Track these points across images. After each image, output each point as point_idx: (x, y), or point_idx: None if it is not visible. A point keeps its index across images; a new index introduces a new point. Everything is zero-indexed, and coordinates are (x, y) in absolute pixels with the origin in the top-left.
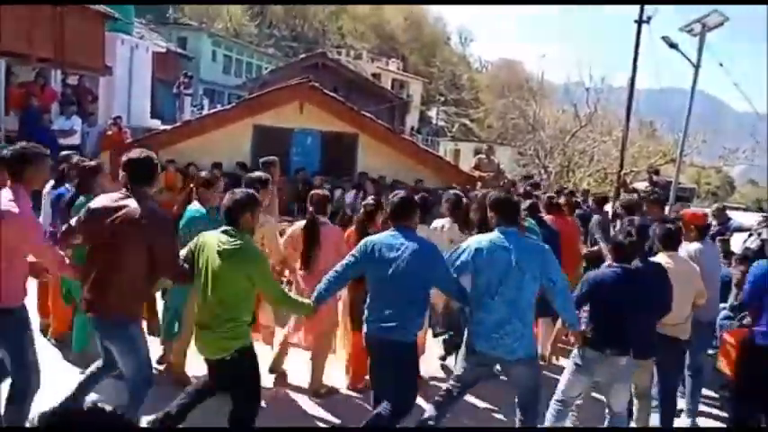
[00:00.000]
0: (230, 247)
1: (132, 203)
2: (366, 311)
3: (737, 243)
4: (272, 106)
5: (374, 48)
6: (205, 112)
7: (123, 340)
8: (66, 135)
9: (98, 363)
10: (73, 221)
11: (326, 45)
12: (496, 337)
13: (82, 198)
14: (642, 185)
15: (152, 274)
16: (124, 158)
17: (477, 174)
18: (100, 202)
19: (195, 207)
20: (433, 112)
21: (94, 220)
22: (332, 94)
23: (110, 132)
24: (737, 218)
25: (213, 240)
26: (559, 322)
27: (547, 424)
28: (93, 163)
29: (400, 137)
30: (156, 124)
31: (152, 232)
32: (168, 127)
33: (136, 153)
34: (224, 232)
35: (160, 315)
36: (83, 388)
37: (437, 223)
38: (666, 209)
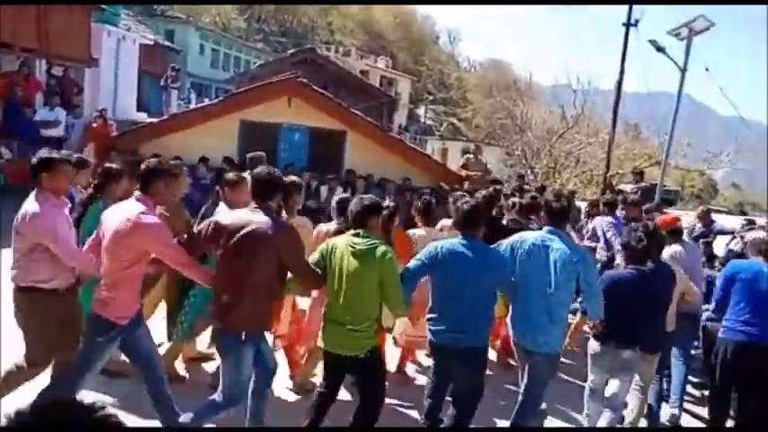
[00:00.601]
0: (365, 248)
1: (262, 218)
2: (432, 319)
3: (720, 246)
4: (260, 101)
5: (363, 45)
6: (192, 105)
7: (237, 355)
8: (49, 126)
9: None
10: (196, 230)
11: (315, 41)
12: (526, 329)
13: (99, 203)
14: (628, 187)
15: (280, 286)
16: (252, 177)
17: (464, 173)
18: (228, 217)
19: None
20: (421, 111)
21: (221, 234)
22: (320, 90)
23: (95, 125)
24: (720, 221)
25: (344, 243)
26: (579, 314)
27: (585, 409)
28: (114, 166)
29: (388, 134)
30: (143, 117)
31: (283, 246)
32: (154, 120)
33: (263, 171)
34: (355, 235)
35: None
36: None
37: (443, 223)
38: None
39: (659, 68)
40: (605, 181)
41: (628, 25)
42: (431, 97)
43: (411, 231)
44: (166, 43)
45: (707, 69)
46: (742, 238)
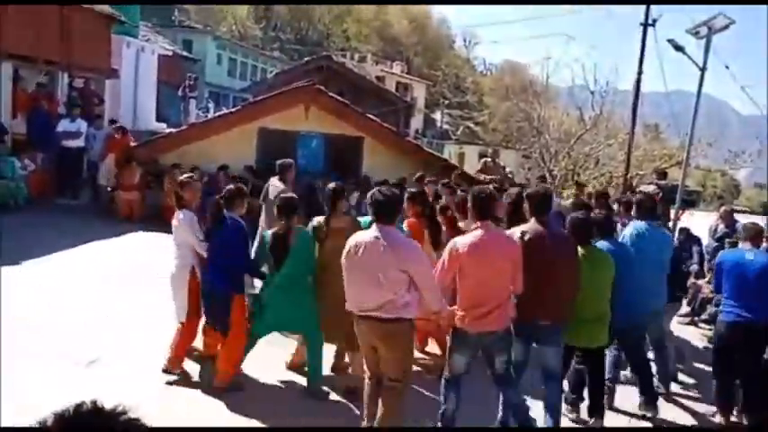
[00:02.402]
0: (599, 255)
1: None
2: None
3: None
4: (278, 109)
5: (378, 51)
6: (211, 114)
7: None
8: (70, 137)
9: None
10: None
11: (331, 48)
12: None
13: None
14: (650, 188)
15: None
16: (528, 194)
17: (482, 177)
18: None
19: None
20: (437, 115)
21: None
22: (337, 96)
23: (116, 136)
24: (744, 221)
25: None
26: None
27: None
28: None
29: (405, 139)
30: (162, 127)
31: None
32: (173, 130)
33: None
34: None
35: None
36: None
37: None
38: (672, 212)
39: (678, 68)
40: (625, 182)
41: (645, 25)
42: (447, 101)
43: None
44: (184, 53)
45: (727, 67)
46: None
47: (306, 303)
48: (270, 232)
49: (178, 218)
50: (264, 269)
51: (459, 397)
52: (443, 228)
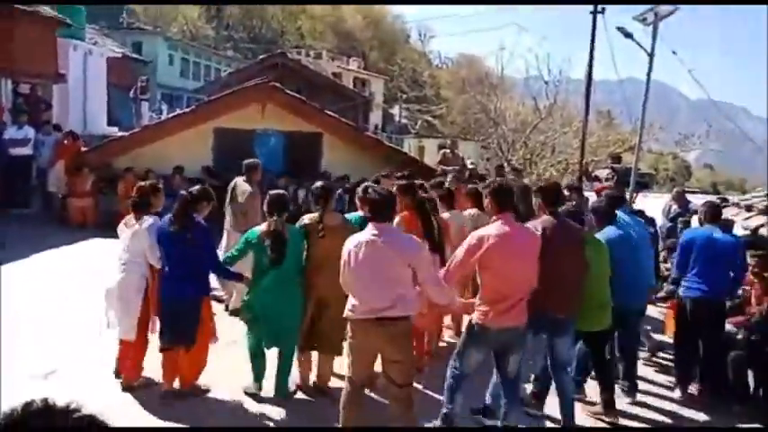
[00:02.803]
0: (599, 242)
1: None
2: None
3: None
4: (233, 108)
5: (334, 47)
6: (164, 116)
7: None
8: (18, 144)
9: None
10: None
11: (285, 46)
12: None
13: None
14: (604, 173)
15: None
16: (540, 188)
17: (441, 168)
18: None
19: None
20: (395, 110)
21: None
22: (293, 93)
23: (65, 141)
24: (696, 201)
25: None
26: None
27: None
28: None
29: (364, 134)
30: (114, 131)
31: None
32: (126, 133)
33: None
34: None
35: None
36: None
37: (469, 212)
38: (627, 194)
39: (629, 56)
40: (581, 168)
41: (595, 13)
42: (405, 96)
43: (444, 215)
44: (134, 55)
45: (674, 53)
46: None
47: (295, 312)
48: (259, 230)
49: (141, 224)
50: (240, 270)
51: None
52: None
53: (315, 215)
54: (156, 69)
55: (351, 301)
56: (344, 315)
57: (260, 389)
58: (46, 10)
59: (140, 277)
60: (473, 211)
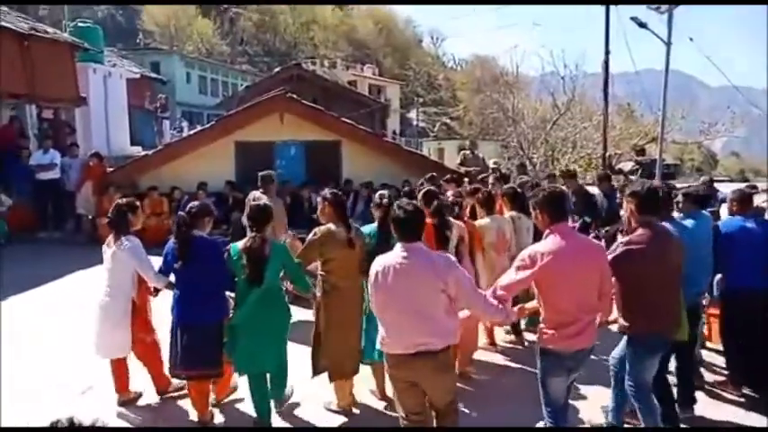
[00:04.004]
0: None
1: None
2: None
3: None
4: (252, 121)
5: (348, 56)
6: (185, 134)
7: None
8: (44, 169)
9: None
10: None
11: (299, 57)
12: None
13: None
14: (628, 166)
15: None
16: (634, 192)
17: (463, 170)
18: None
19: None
20: (412, 114)
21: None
22: (309, 103)
23: (91, 164)
24: (724, 190)
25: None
26: None
27: None
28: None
29: (383, 140)
30: (137, 150)
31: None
32: (149, 152)
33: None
34: None
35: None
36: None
37: (509, 215)
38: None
39: (646, 47)
40: (604, 162)
41: (608, 4)
42: (421, 100)
43: (478, 222)
44: (152, 75)
45: (691, 39)
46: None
47: (277, 333)
48: (239, 245)
49: (122, 245)
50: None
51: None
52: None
53: (330, 226)
54: (174, 88)
55: (382, 331)
56: (379, 347)
57: (265, 423)
58: (64, 35)
59: (126, 300)
60: (513, 213)
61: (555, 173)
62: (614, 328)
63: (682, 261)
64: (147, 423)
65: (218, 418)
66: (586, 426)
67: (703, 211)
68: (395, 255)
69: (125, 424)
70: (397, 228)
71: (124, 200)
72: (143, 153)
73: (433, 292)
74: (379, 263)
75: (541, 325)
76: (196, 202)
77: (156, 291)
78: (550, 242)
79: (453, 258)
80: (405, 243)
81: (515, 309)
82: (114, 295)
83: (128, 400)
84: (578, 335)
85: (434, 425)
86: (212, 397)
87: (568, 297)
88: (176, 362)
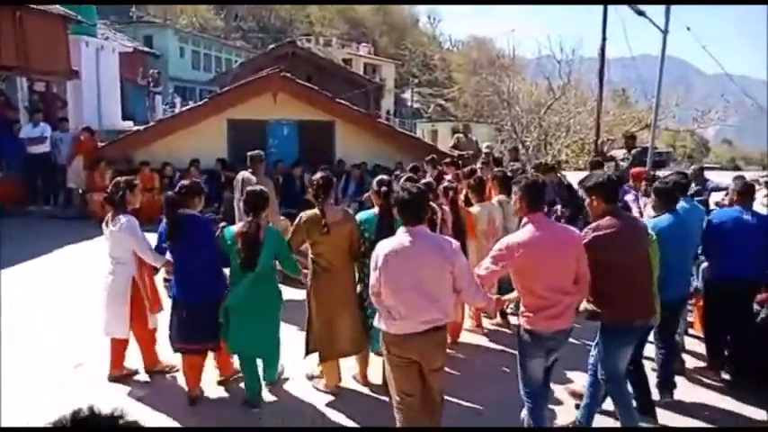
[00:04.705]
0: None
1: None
2: None
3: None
4: (246, 99)
5: (343, 34)
6: (177, 109)
7: None
8: (35, 143)
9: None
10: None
11: (295, 34)
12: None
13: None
14: (620, 153)
15: None
16: (599, 182)
17: (456, 153)
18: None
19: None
20: (407, 95)
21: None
22: (304, 83)
23: (82, 138)
24: (714, 178)
25: None
26: None
27: None
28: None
29: (376, 121)
30: (129, 125)
31: None
32: (141, 127)
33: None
34: None
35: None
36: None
37: (498, 198)
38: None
39: (642, 32)
40: (596, 148)
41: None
42: (416, 80)
43: (472, 208)
44: (145, 49)
45: (688, 29)
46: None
47: (270, 317)
48: (234, 229)
49: (119, 224)
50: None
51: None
52: (446, 209)
53: (315, 210)
54: (167, 62)
55: (386, 313)
56: (379, 327)
57: (255, 403)
58: (56, 7)
59: (126, 278)
60: (500, 197)
61: (544, 160)
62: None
63: (648, 247)
64: (136, 396)
65: (213, 394)
66: (563, 425)
67: (694, 203)
68: (399, 238)
69: (117, 399)
70: (402, 210)
71: (123, 177)
72: (135, 128)
73: (441, 273)
74: (384, 247)
75: (522, 309)
76: (186, 181)
77: (156, 269)
78: (526, 231)
79: (456, 243)
80: (408, 226)
81: (495, 298)
82: (116, 272)
83: (120, 376)
84: (557, 317)
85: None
86: (217, 374)
87: (544, 283)
88: (174, 335)
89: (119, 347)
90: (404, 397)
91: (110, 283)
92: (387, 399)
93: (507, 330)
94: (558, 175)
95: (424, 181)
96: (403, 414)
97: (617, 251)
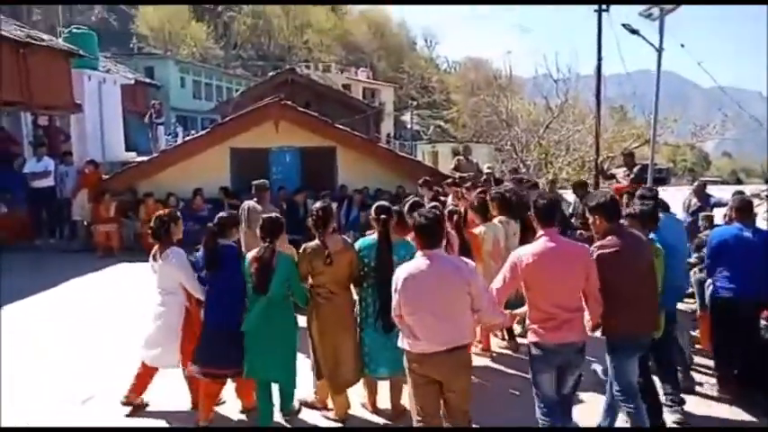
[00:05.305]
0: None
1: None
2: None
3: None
4: (247, 128)
5: (342, 59)
6: (180, 139)
7: None
8: (38, 177)
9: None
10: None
11: (294, 61)
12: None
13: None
14: (621, 171)
15: None
16: (600, 203)
17: (457, 175)
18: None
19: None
20: (407, 117)
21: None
22: (305, 110)
23: (86, 171)
24: (717, 193)
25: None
26: None
27: None
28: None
29: (377, 146)
30: (132, 156)
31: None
32: (144, 159)
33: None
34: None
35: None
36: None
37: (499, 218)
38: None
39: (639, 48)
40: (596, 167)
41: (600, 11)
42: (415, 103)
43: (476, 230)
44: (147, 80)
45: (682, 46)
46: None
47: (285, 342)
48: (250, 255)
49: (167, 258)
50: None
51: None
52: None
53: (317, 242)
54: (168, 93)
55: (408, 332)
56: (402, 347)
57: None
58: (59, 42)
59: (180, 309)
60: (501, 217)
61: (539, 181)
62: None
63: (653, 261)
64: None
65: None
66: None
67: (673, 216)
68: (417, 262)
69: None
70: (419, 234)
71: (165, 210)
72: (138, 159)
73: (461, 294)
74: (404, 270)
75: (527, 322)
76: (224, 213)
77: (200, 301)
78: (536, 245)
79: (472, 264)
80: (426, 250)
81: (507, 312)
82: (167, 303)
83: (135, 404)
84: (558, 328)
85: None
86: (240, 404)
87: (549, 297)
88: (199, 358)
89: (148, 374)
90: (422, 415)
91: (161, 315)
92: (394, 424)
93: (513, 354)
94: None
95: (430, 205)
96: (421, 416)
97: (621, 268)
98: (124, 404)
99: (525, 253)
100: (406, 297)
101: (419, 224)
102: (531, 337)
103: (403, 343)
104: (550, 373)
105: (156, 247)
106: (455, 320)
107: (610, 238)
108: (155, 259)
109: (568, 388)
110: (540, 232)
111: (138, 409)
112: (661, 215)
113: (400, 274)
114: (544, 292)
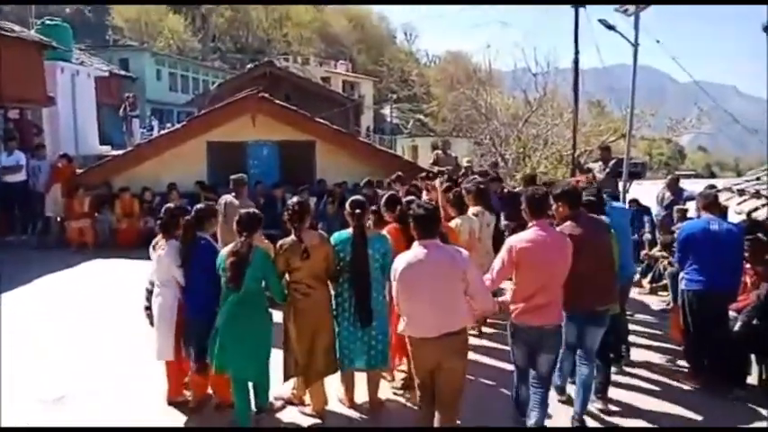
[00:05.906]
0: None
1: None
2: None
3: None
4: (224, 121)
5: (321, 52)
6: (155, 133)
7: None
8: (10, 172)
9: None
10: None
11: (273, 54)
12: None
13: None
14: (597, 165)
15: None
16: (565, 191)
17: (436, 169)
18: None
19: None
20: (386, 111)
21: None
22: (283, 103)
23: (60, 165)
24: (691, 187)
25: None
26: None
27: None
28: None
29: (356, 139)
30: (106, 150)
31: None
32: (119, 152)
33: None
34: None
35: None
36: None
37: (474, 210)
38: (620, 184)
39: (614, 41)
40: (573, 161)
41: (576, 7)
42: (395, 96)
43: (453, 222)
44: (122, 72)
45: (658, 41)
46: None
47: (259, 338)
48: (226, 250)
49: (165, 250)
50: None
51: (528, 387)
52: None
53: (293, 237)
54: (144, 85)
55: (407, 319)
56: (401, 332)
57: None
58: (31, 34)
59: (172, 300)
60: (476, 208)
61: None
62: None
63: (612, 243)
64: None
65: (202, 420)
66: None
67: (615, 204)
68: (415, 251)
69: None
70: (417, 225)
71: (173, 204)
72: (113, 153)
73: (455, 282)
74: (403, 259)
75: (509, 300)
76: (200, 205)
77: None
78: (528, 233)
79: (466, 252)
80: (422, 240)
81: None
82: (162, 294)
83: (176, 402)
84: (532, 312)
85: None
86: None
87: (533, 281)
88: (190, 355)
89: (175, 371)
90: (417, 381)
91: (158, 307)
92: (373, 419)
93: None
94: (503, 185)
95: (406, 199)
96: (419, 389)
97: (584, 249)
98: (170, 404)
99: (519, 239)
100: (402, 286)
101: (417, 215)
102: (511, 315)
103: (403, 328)
104: (521, 349)
105: (157, 237)
106: (449, 307)
107: (571, 222)
108: (154, 249)
109: (543, 368)
110: (532, 222)
111: (183, 404)
112: (611, 203)
113: (399, 263)
114: (531, 274)
